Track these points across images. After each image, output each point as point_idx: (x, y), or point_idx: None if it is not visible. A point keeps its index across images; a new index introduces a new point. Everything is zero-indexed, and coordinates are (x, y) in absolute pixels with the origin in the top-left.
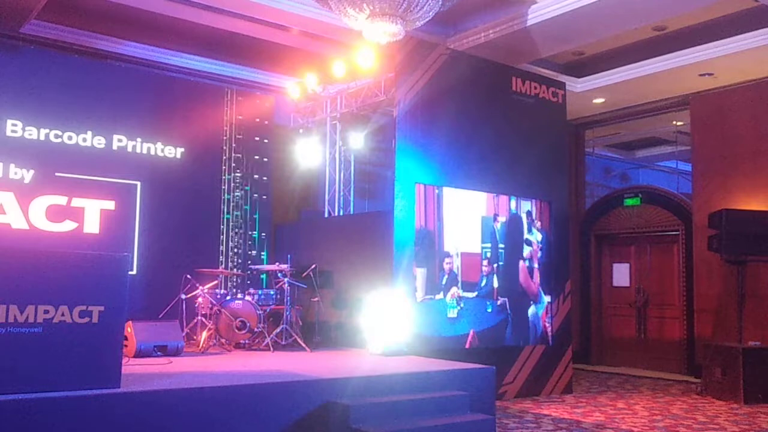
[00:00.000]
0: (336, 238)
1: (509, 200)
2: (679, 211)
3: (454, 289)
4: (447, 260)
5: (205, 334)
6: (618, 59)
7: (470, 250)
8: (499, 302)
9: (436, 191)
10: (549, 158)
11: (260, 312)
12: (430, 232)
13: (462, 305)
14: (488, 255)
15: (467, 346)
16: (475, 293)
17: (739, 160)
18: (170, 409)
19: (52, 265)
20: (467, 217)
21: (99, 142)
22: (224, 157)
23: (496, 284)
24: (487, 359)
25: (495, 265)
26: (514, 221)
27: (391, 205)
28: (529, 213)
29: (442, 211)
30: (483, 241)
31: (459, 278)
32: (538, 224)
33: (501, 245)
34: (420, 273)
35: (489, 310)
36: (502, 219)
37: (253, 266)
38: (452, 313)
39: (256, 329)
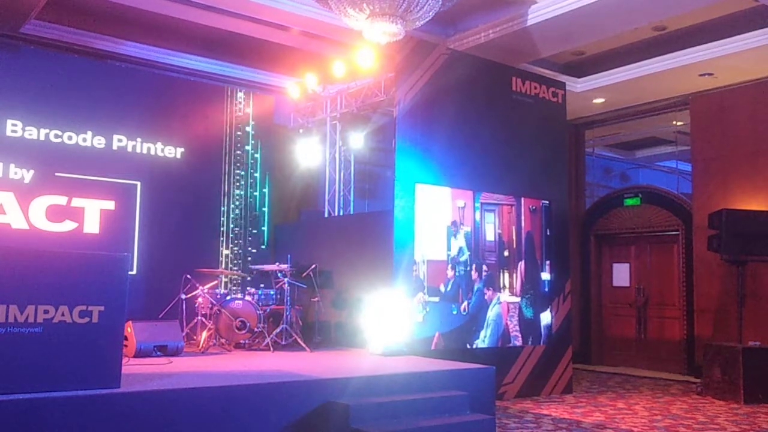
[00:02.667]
0: (336, 238)
1: (474, 211)
2: (679, 211)
3: (419, 295)
4: (413, 267)
5: (205, 334)
6: (618, 59)
7: (436, 257)
8: (462, 305)
9: None
10: (549, 158)
11: (260, 312)
12: None
13: (427, 309)
14: (452, 261)
15: (433, 347)
16: (439, 298)
17: (739, 160)
18: (170, 409)
19: (52, 265)
20: (434, 226)
21: (99, 142)
22: (224, 157)
23: (460, 288)
24: (488, 359)
25: (458, 271)
26: (477, 230)
27: (391, 205)
28: (454, 222)
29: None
30: (448, 249)
31: (425, 284)
32: (467, 228)
33: (467, 252)
34: None
35: (454, 313)
36: (466, 228)
37: (253, 266)
38: (418, 317)
39: (256, 329)
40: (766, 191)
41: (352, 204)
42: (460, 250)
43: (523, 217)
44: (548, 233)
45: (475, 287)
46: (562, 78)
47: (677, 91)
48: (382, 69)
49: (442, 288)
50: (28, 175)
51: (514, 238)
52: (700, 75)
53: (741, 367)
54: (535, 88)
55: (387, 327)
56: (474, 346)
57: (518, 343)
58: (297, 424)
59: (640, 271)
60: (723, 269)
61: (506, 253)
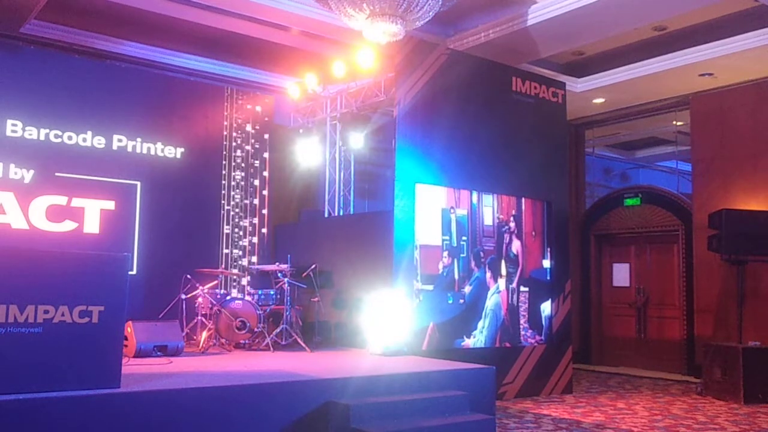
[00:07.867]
0: (336, 238)
1: (470, 193)
2: (679, 211)
3: (412, 282)
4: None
5: (205, 334)
6: (618, 59)
7: (430, 242)
8: (459, 293)
9: None
10: (549, 158)
11: (260, 312)
12: None
13: (420, 298)
14: (448, 247)
15: (425, 343)
16: (433, 285)
17: (739, 160)
18: (170, 409)
19: (52, 265)
20: (428, 209)
21: (99, 142)
22: (224, 157)
23: (456, 276)
24: (488, 359)
25: (456, 257)
26: (474, 214)
27: (391, 205)
28: (450, 206)
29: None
30: (443, 233)
31: (418, 271)
32: (463, 212)
33: (463, 237)
34: None
35: (450, 302)
36: (462, 211)
37: (253, 266)
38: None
39: (256, 329)
40: (766, 191)
41: (352, 204)
42: (457, 234)
43: (523, 202)
44: (549, 220)
45: (474, 274)
46: (562, 78)
47: (677, 91)
48: (382, 69)
49: (445, 273)
50: (28, 175)
51: (513, 222)
52: (700, 75)
53: (741, 367)
54: (535, 88)
55: (387, 327)
56: (472, 337)
57: (519, 334)
58: (297, 424)
59: (640, 271)
60: (723, 269)
61: (506, 238)
